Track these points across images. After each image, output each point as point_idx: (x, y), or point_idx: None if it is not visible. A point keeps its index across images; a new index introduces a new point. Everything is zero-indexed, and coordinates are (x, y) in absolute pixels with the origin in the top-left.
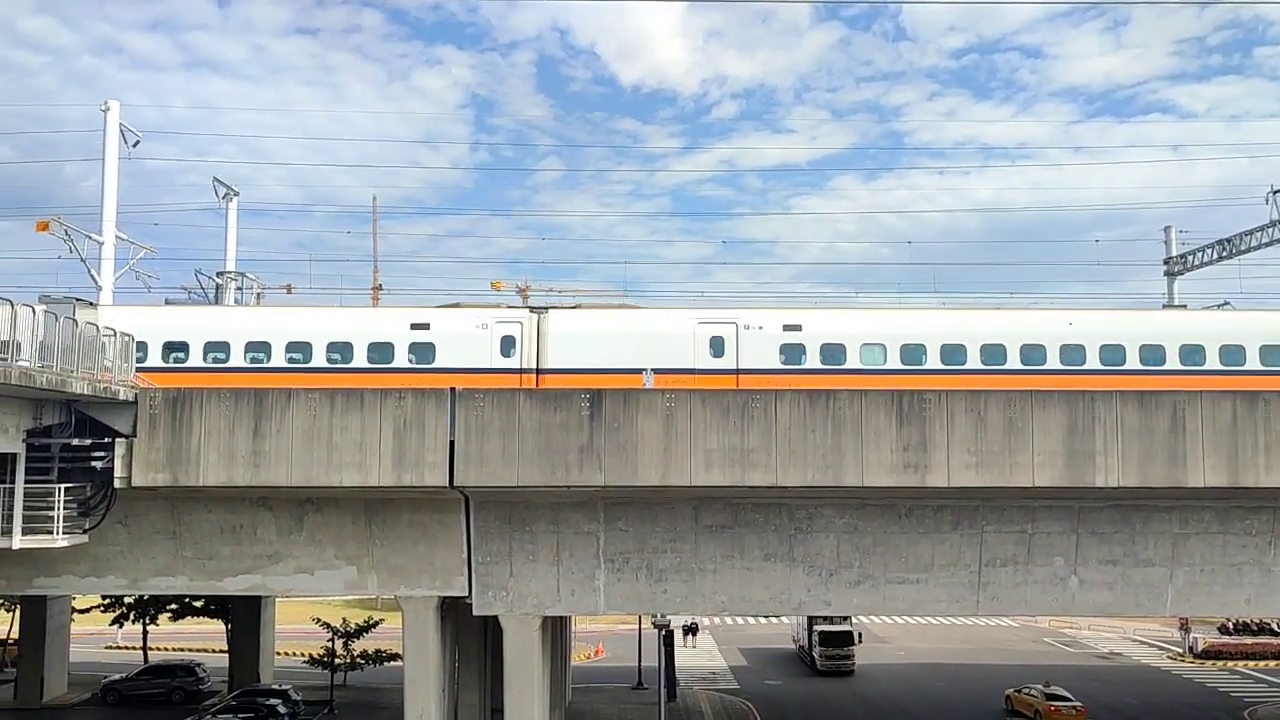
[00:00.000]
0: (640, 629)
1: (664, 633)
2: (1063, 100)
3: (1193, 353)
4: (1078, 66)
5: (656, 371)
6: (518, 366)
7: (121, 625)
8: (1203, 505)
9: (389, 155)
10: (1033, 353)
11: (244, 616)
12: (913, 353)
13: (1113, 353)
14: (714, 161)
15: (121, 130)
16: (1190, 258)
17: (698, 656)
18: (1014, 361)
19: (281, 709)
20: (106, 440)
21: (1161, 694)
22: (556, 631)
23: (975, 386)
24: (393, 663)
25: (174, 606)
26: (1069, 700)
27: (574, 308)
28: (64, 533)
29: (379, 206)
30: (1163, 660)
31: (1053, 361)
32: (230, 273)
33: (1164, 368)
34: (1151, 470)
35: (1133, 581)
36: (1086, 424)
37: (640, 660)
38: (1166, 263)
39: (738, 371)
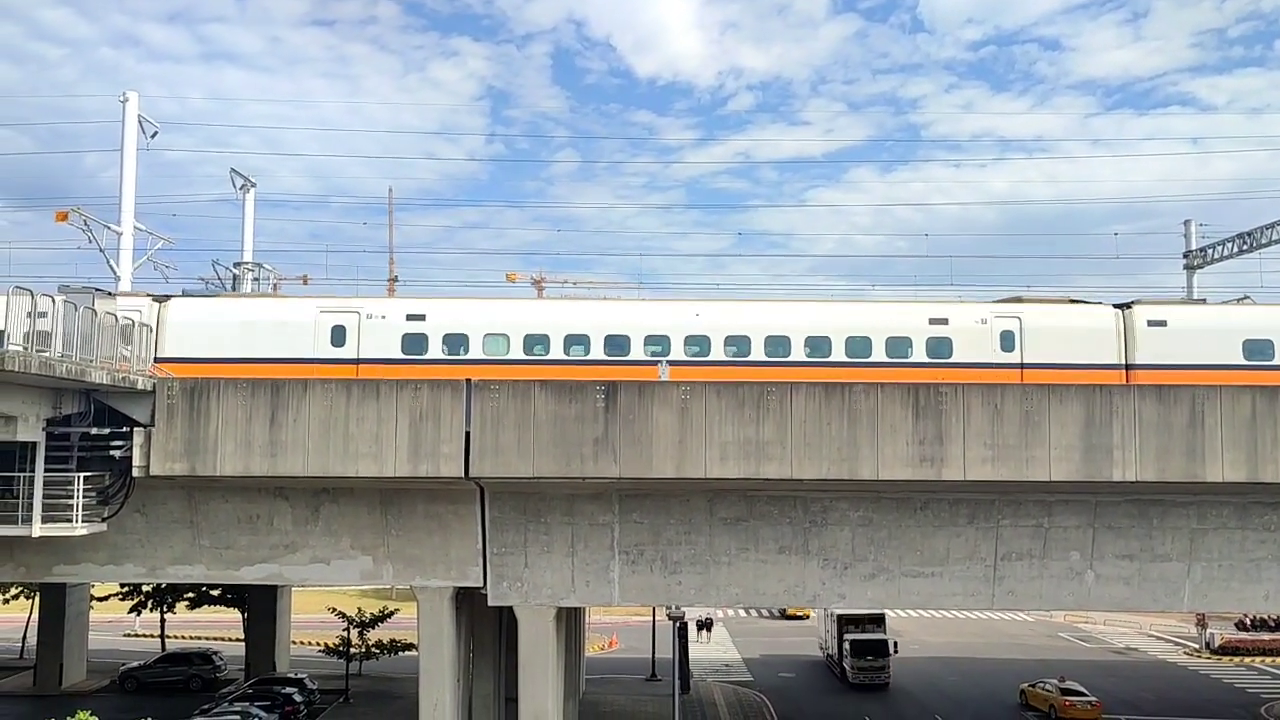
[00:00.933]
0: (654, 621)
1: (678, 625)
2: (1081, 93)
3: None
4: (1096, 59)
5: (277, 361)
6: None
7: (139, 613)
8: (1221, 500)
9: (405, 147)
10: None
11: (260, 605)
12: (535, 342)
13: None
14: (729, 154)
15: (140, 121)
16: (1210, 251)
17: (711, 650)
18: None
19: (297, 697)
20: (125, 429)
21: (1178, 690)
22: (571, 623)
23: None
24: (407, 653)
25: (191, 595)
26: (1084, 695)
27: (210, 296)
28: (83, 521)
29: (395, 198)
30: (1179, 656)
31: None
32: (247, 263)
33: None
34: (1169, 465)
35: (1150, 577)
36: (1104, 418)
37: (654, 652)
38: (1186, 256)
39: (358, 361)
